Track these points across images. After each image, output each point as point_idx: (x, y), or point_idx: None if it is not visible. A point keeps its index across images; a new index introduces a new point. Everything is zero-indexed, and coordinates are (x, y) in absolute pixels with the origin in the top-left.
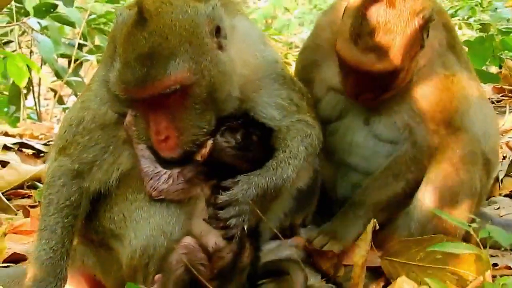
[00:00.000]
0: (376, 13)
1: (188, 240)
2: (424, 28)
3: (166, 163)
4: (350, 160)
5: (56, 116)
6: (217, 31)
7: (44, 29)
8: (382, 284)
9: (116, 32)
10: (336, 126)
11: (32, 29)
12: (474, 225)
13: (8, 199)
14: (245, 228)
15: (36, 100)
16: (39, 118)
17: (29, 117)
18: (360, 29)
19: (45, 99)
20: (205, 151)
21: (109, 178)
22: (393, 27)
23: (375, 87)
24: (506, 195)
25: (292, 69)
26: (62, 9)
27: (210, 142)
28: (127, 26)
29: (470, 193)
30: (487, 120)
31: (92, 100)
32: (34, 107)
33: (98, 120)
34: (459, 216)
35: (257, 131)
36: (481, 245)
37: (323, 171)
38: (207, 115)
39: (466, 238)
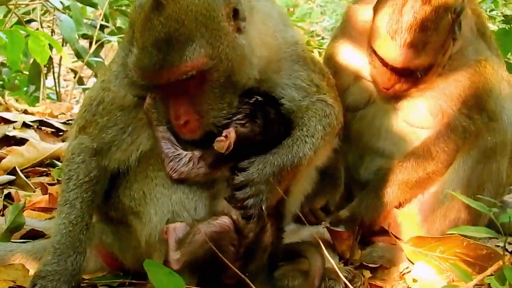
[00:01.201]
0: (412, 10)
1: (225, 220)
2: (456, 21)
3: (187, 144)
4: (378, 145)
5: (75, 97)
6: (235, 13)
7: (66, 9)
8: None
9: (134, 16)
10: (364, 112)
11: (55, 8)
12: (495, 209)
13: (26, 177)
14: (263, 208)
15: (56, 80)
16: (59, 98)
17: (49, 97)
18: (397, 26)
19: (65, 80)
20: (229, 143)
21: (128, 158)
22: (429, 24)
23: (409, 81)
24: None
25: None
26: None
27: (233, 135)
28: (144, 11)
29: (496, 183)
30: None
31: (111, 82)
32: (54, 87)
33: (117, 102)
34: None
35: (272, 108)
36: (502, 231)
37: (348, 155)
38: (226, 98)
39: (490, 226)
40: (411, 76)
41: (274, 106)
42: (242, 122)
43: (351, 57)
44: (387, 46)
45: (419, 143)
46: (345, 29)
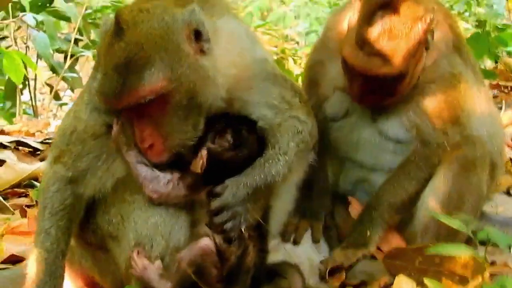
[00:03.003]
0: (381, 19)
1: (206, 242)
2: (428, 31)
3: (161, 166)
4: (356, 157)
5: (51, 111)
6: (197, 35)
7: (40, 24)
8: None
9: (100, 42)
10: (343, 123)
11: (28, 25)
12: (472, 226)
13: (4, 199)
14: (243, 230)
15: (32, 95)
16: (35, 114)
17: (25, 112)
18: (366, 35)
19: (41, 93)
20: (202, 163)
21: (104, 184)
22: (397, 33)
23: (380, 91)
24: (503, 192)
25: (290, 63)
26: (57, 3)
27: (204, 153)
28: (107, 36)
29: (477, 195)
30: (494, 121)
31: (83, 111)
32: (30, 102)
33: (89, 130)
34: (464, 217)
35: (244, 126)
36: (477, 246)
37: (328, 166)
38: (190, 120)
39: (469, 239)
40: (382, 86)
41: (246, 124)
42: (211, 139)
43: (330, 68)
44: (355, 55)
45: (397, 163)
46: (325, 41)
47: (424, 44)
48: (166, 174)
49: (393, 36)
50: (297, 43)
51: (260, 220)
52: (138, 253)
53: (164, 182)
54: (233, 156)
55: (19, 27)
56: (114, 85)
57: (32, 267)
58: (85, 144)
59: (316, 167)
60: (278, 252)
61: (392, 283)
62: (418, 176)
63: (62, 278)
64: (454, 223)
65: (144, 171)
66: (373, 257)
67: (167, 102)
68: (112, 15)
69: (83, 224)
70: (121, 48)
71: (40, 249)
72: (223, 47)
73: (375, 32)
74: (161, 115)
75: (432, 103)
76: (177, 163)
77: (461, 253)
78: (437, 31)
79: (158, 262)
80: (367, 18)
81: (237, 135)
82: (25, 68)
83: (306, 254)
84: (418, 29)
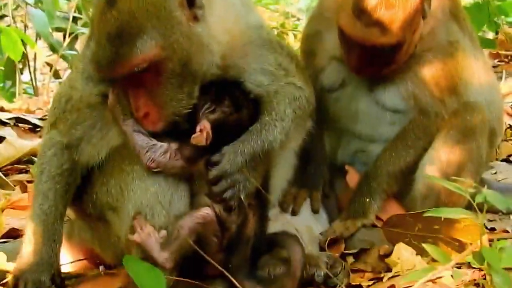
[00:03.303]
0: None
1: (206, 211)
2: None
3: (159, 136)
4: (354, 128)
5: (52, 91)
6: (191, 2)
7: (38, 3)
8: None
9: (94, 11)
10: (340, 94)
11: (26, 3)
12: (471, 190)
13: (5, 175)
14: (243, 198)
15: (32, 74)
16: (36, 93)
17: (26, 92)
18: (363, 4)
19: (42, 73)
20: (207, 134)
21: (98, 152)
22: (394, 2)
23: (377, 61)
24: (503, 160)
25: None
26: None
27: (207, 125)
28: (100, 5)
29: (476, 162)
30: (492, 89)
31: (78, 80)
32: (30, 82)
33: (84, 100)
34: (464, 184)
35: (237, 90)
36: (478, 210)
37: (326, 137)
38: (185, 88)
39: (469, 207)
40: (380, 56)
41: (241, 91)
42: (210, 109)
43: (326, 38)
44: (353, 25)
45: (395, 132)
46: (321, 10)
47: (421, 12)
48: (163, 144)
49: (390, 5)
50: (298, 19)
51: (260, 188)
52: (142, 219)
53: (161, 152)
54: (235, 119)
55: (17, 6)
56: (107, 55)
57: (30, 230)
58: (81, 113)
59: (313, 137)
60: (277, 221)
61: (391, 252)
62: (416, 145)
63: (60, 241)
64: (453, 186)
65: (140, 140)
66: (372, 226)
67: (160, 70)
68: None
69: (82, 196)
70: (113, 16)
71: (38, 212)
72: (217, 14)
73: (372, 1)
74: (155, 84)
75: (430, 72)
76: (174, 132)
77: (460, 217)
78: None
79: (163, 232)
80: None
81: (234, 99)
82: (24, 47)
83: (305, 223)
84: None
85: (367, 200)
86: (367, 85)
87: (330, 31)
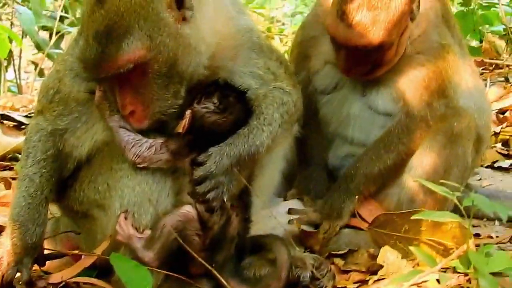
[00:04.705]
0: None
1: (188, 208)
2: (412, 1)
3: (145, 133)
4: (346, 132)
5: (36, 90)
6: (180, 2)
7: (25, 1)
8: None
9: (83, 9)
10: (333, 97)
11: (14, 1)
12: (458, 194)
13: None
14: (225, 199)
15: (17, 73)
16: (20, 91)
17: (10, 90)
18: (345, 6)
19: (26, 72)
20: (185, 122)
21: (82, 144)
22: (377, 3)
23: (366, 62)
24: (487, 166)
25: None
26: None
27: (188, 112)
28: (90, 3)
29: (462, 167)
30: (481, 95)
31: (66, 75)
32: (15, 80)
33: (72, 95)
34: (450, 189)
35: (233, 93)
36: (465, 214)
37: (315, 142)
38: (171, 88)
39: (454, 212)
40: (366, 57)
41: (236, 93)
42: (197, 100)
43: (322, 42)
44: (336, 26)
45: (380, 134)
46: (316, 16)
47: (408, 14)
48: (148, 139)
49: (372, 7)
50: (283, 24)
51: (244, 190)
52: (125, 218)
53: (146, 146)
54: (217, 120)
55: (4, 4)
56: (94, 54)
57: (14, 212)
58: (67, 105)
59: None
60: (265, 223)
61: (377, 254)
62: (399, 149)
63: (44, 225)
64: (440, 189)
65: (126, 136)
66: (358, 228)
67: (147, 71)
68: None
69: (69, 192)
70: (101, 15)
71: (23, 194)
72: (207, 15)
73: (354, 3)
74: (141, 83)
75: (421, 74)
76: (162, 130)
77: (447, 220)
78: (425, 1)
79: (147, 231)
80: None
81: (224, 99)
82: (10, 43)
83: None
84: (399, 0)
85: (343, 200)
86: (360, 89)
87: (325, 35)
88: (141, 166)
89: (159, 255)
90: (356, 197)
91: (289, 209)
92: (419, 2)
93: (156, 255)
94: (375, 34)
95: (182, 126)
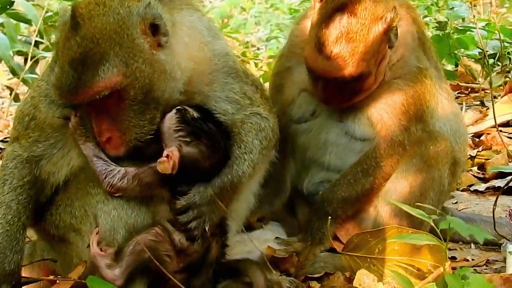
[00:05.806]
0: (338, 22)
1: (157, 229)
2: (389, 30)
3: (121, 159)
4: (322, 158)
5: (11, 114)
6: (154, 29)
7: (0, 26)
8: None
9: (58, 35)
10: (310, 125)
11: None
12: (434, 217)
13: None
14: (207, 229)
15: None
16: None
17: None
18: (323, 38)
19: (1, 97)
20: (173, 163)
21: (58, 171)
22: (355, 35)
23: (344, 92)
24: (463, 190)
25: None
26: (18, 6)
27: (176, 153)
28: (65, 30)
29: (438, 190)
30: (457, 118)
31: (42, 101)
32: None
33: (48, 121)
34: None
35: (211, 123)
36: (441, 237)
37: (293, 167)
38: (147, 114)
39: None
40: (345, 87)
41: (210, 120)
42: (187, 140)
43: (296, 72)
44: (315, 58)
45: (356, 159)
46: (290, 47)
47: (386, 42)
48: (121, 169)
49: (350, 39)
50: (258, 48)
51: (223, 217)
52: (96, 235)
53: (119, 177)
54: (207, 161)
55: None
56: (70, 81)
57: None
58: (43, 132)
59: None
60: (241, 247)
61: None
62: (376, 173)
63: (22, 251)
64: (417, 212)
65: (99, 165)
66: (334, 252)
67: (122, 97)
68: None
69: (46, 216)
70: (76, 42)
71: (0, 222)
72: (182, 41)
73: (332, 35)
74: (118, 109)
75: (400, 99)
76: (138, 155)
77: (423, 242)
78: (402, 25)
79: (110, 250)
80: (324, 21)
81: (210, 137)
82: None
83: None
84: (377, 30)
85: (322, 225)
86: (337, 115)
87: (300, 65)
88: (115, 195)
89: (127, 273)
90: (334, 220)
91: (276, 238)
92: (396, 29)
93: (122, 273)
94: (354, 66)
95: (170, 168)
